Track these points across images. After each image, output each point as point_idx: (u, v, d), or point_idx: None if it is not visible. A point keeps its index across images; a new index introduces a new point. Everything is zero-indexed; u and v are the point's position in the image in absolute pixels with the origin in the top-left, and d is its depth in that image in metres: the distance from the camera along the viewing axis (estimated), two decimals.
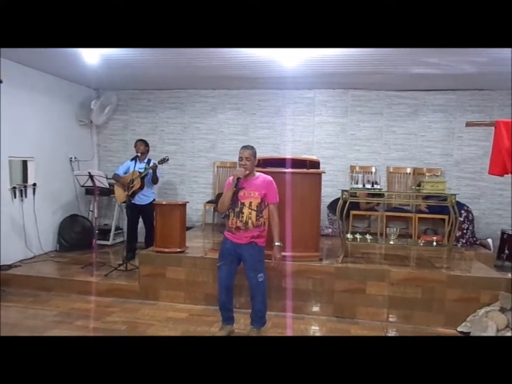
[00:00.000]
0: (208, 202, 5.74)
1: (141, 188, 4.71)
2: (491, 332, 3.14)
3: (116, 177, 4.83)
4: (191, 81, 5.54)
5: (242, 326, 3.31)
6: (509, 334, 3.08)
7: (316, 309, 3.72)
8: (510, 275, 3.42)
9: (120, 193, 4.80)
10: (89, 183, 4.46)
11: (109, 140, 6.32)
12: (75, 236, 5.42)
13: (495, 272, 3.84)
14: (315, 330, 3.42)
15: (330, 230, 5.32)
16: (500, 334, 3.12)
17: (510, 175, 3.25)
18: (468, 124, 3.58)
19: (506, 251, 4.52)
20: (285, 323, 3.48)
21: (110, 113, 6.04)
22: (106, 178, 4.62)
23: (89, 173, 4.42)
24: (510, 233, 4.57)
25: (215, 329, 3.25)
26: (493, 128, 3.33)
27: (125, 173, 4.82)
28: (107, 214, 6.17)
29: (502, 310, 3.25)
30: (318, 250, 3.92)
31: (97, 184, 4.44)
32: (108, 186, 4.63)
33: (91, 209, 5.78)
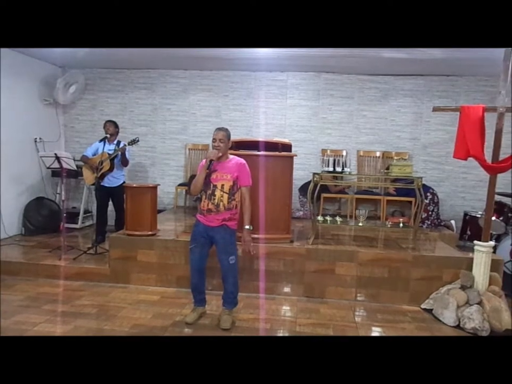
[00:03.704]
0: (180, 185, 5.70)
1: (111, 169, 4.61)
2: (452, 308, 3.31)
3: (84, 158, 4.70)
4: (161, 60, 5.40)
5: (214, 307, 3.34)
6: (468, 310, 3.24)
7: (286, 289, 3.79)
8: (471, 254, 3.58)
9: (88, 175, 4.68)
10: (56, 165, 4.32)
11: (76, 120, 6.12)
12: (42, 219, 5.27)
13: (457, 252, 4.01)
14: (286, 310, 3.50)
15: (301, 213, 5.40)
16: (459, 310, 3.29)
17: (473, 159, 3.36)
18: (435, 109, 3.66)
19: (468, 232, 4.73)
20: (257, 304, 3.54)
21: (78, 93, 5.82)
22: (74, 160, 4.49)
23: (55, 154, 4.28)
24: (472, 215, 4.78)
25: (187, 311, 3.27)
26: (458, 113, 3.43)
27: (94, 154, 4.69)
28: (75, 196, 6.02)
29: (463, 287, 3.42)
30: (289, 233, 3.98)
31: (64, 166, 4.31)
32: (75, 168, 4.51)
33: (58, 191, 5.62)
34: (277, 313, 3.43)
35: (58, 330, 2.91)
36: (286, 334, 3.05)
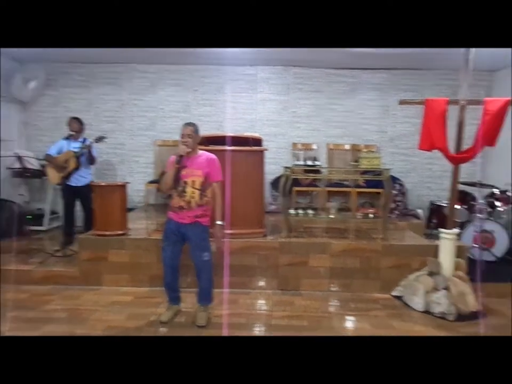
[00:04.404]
0: (150, 182, 5.60)
1: (77, 168, 4.47)
2: (420, 294, 3.43)
3: (48, 157, 4.52)
4: (127, 54, 5.26)
5: (189, 305, 3.32)
6: (436, 295, 3.37)
7: (261, 283, 3.81)
8: (437, 242, 3.70)
9: (53, 175, 4.52)
10: (17, 165, 4.15)
11: (38, 118, 5.88)
12: (4, 222, 5.04)
13: (424, 240, 4.16)
14: (261, 304, 3.52)
15: (274, 207, 5.42)
16: (428, 296, 3.41)
17: (437, 150, 3.47)
18: (401, 102, 3.75)
19: (434, 220, 4.90)
20: (232, 299, 3.53)
21: (38, 89, 5.60)
22: (37, 159, 4.32)
23: (16, 153, 4.11)
24: (438, 204, 4.96)
25: (161, 310, 3.23)
26: (423, 106, 3.52)
27: (58, 153, 4.52)
28: (40, 197, 5.78)
29: (430, 274, 3.54)
30: (263, 227, 3.99)
31: (27, 165, 4.15)
32: (39, 167, 4.35)
33: (21, 193, 5.40)
34: (252, 307, 3.44)
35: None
36: (262, 328, 3.07)
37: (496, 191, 4.60)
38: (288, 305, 3.46)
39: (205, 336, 2.80)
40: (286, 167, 3.95)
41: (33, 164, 4.20)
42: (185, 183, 2.93)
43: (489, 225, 4.35)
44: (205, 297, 3.11)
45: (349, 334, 3.06)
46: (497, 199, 4.57)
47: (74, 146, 4.46)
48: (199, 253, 2.99)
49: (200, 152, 3.05)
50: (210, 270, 3.06)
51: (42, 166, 4.58)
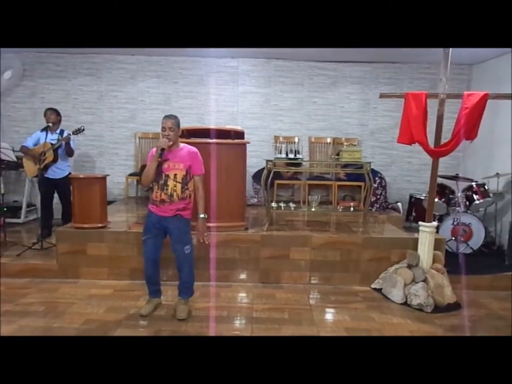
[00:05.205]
0: (131, 174, 5.53)
1: (54, 160, 4.37)
2: (399, 287, 3.49)
3: (25, 149, 4.41)
4: None
5: (170, 298, 3.30)
6: (414, 287, 3.43)
7: (242, 276, 3.82)
8: (416, 235, 3.77)
9: (30, 167, 4.41)
10: None
11: (14, 109, 5.72)
12: None
13: (403, 233, 4.22)
14: (242, 297, 3.52)
15: (255, 200, 5.42)
16: (406, 288, 3.47)
17: (417, 143, 3.51)
18: (381, 96, 3.77)
19: (414, 213, 4.99)
20: (213, 292, 3.53)
21: (14, 79, 5.42)
22: (13, 150, 4.21)
23: None
24: (417, 197, 5.04)
25: (141, 303, 3.20)
26: (403, 99, 3.56)
27: (35, 144, 4.42)
28: (16, 189, 5.65)
29: (409, 266, 3.60)
30: (244, 220, 3.99)
31: (3, 157, 4.04)
32: (15, 159, 4.23)
33: None
34: (234, 300, 3.44)
35: (1, 330, 2.75)
36: (243, 321, 3.08)
37: (474, 184, 4.70)
38: (269, 298, 3.47)
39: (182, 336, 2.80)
40: (268, 160, 3.95)
41: (8, 156, 4.08)
42: (167, 176, 2.90)
43: (467, 218, 4.45)
44: (186, 290, 3.09)
45: (329, 326, 3.09)
46: (475, 192, 4.67)
47: (52, 138, 4.36)
48: (180, 246, 2.97)
49: (182, 145, 3.01)
50: (191, 263, 3.05)
51: (18, 158, 4.46)
